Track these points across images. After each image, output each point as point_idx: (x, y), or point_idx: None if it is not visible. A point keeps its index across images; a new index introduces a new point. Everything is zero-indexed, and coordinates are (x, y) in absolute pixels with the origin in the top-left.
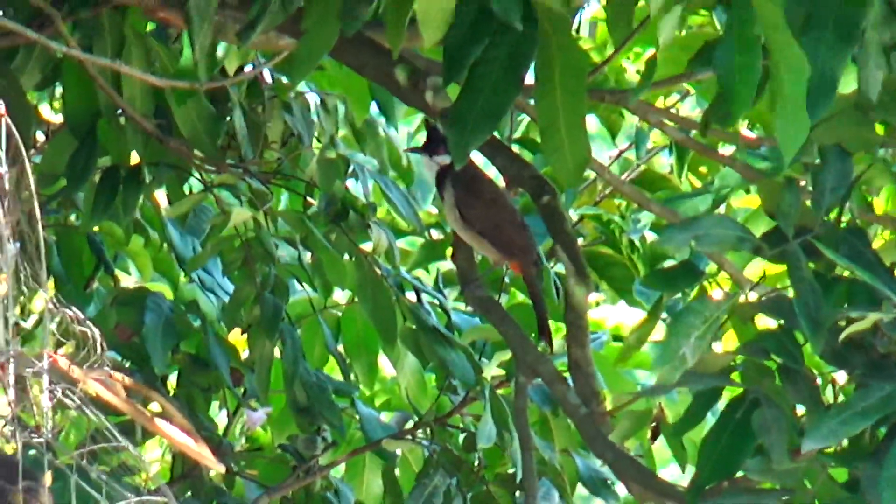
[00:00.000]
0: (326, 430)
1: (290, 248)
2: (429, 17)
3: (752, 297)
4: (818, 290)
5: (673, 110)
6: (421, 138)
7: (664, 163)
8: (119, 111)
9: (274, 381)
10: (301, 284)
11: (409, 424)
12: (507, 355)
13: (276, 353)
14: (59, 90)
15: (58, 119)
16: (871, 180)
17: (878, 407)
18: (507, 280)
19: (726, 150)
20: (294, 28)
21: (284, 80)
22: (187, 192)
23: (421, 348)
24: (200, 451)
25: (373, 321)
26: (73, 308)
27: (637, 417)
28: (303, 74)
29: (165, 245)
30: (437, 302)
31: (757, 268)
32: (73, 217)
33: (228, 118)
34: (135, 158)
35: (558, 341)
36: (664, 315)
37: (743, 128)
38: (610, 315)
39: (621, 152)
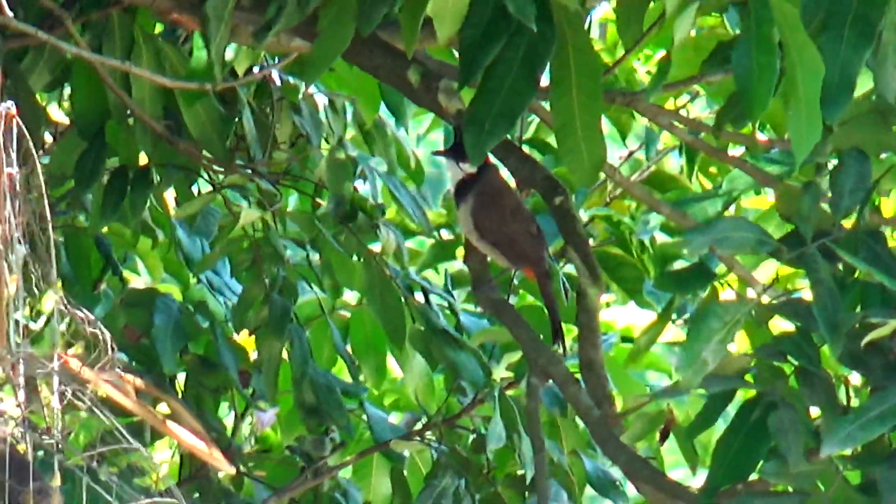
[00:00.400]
0: (335, 431)
1: (299, 249)
2: (443, 17)
3: (765, 299)
4: (836, 293)
5: (683, 111)
6: (434, 137)
7: (674, 164)
8: (128, 112)
9: (282, 382)
10: (310, 285)
11: (418, 426)
12: (516, 357)
13: (285, 354)
14: (68, 91)
15: (67, 120)
16: (881, 183)
17: None
18: (515, 282)
19: (736, 150)
20: (308, 30)
21: (293, 81)
22: (196, 193)
23: (430, 350)
24: (210, 453)
25: (381, 322)
26: (83, 309)
27: (650, 419)
28: (316, 75)
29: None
30: (445, 303)
31: (767, 270)
32: (81, 218)
33: (237, 119)
34: (143, 159)
35: (569, 342)
36: (674, 316)
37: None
38: (620, 316)
39: (631, 153)
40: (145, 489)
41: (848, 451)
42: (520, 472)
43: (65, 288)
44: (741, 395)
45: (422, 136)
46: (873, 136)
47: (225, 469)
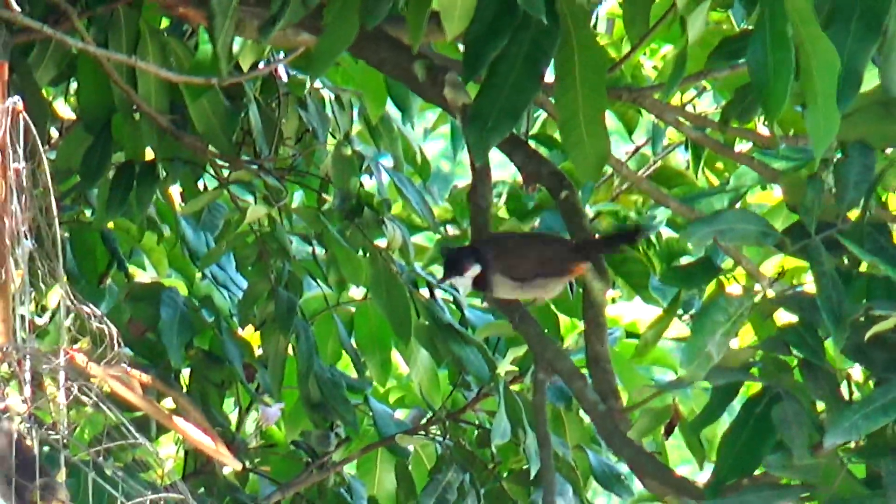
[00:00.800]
0: (340, 427)
1: (305, 244)
2: (450, 11)
3: (771, 293)
4: (840, 285)
5: (689, 106)
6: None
7: (681, 159)
8: (134, 107)
9: (287, 377)
10: (315, 281)
11: (423, 421)
12: (520, 351)
13: (290, 349)
14: (74, 86)
15: (73, 115)
16: (886, 178)
17: None
18: None
19: (743, 146)
20: (313, 24)
21: (299, 75)
22: (202, 188)
23: (435, 344)
24: (216, 448)
25: (387, 317)
26: (89, 304)
27: (655, 414)
28: (322, 70)
29: (179, 241)
30: (450, 298)
31: (773, 263)
32: (87, 213)
33: (243, 114)
34: (149, 154)
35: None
36: (679, 311)
37: (759, 126)
38: (625, 311)
39: (638, 148)
40: (151, 484)
41: (852, 444)
42: (524, 467)
43: (70, 283)
44: (747, 389)
45: (428, 130)
46: (877, 129)
47: (230, 464)
